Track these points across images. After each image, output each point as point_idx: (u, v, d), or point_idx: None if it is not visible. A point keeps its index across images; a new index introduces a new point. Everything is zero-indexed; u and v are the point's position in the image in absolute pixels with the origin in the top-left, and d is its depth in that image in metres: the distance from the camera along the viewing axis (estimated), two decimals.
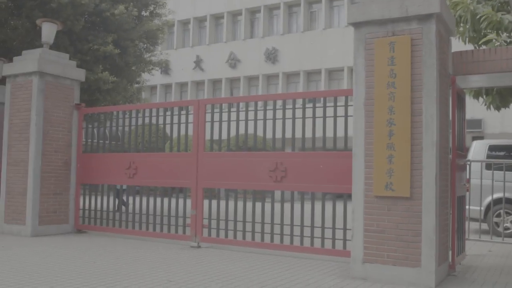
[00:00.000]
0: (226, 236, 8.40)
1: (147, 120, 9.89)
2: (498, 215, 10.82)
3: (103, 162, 9.90)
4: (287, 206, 8.24)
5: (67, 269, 6.51)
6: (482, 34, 9.74)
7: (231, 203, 8.71)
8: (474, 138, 18.15)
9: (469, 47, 10.21)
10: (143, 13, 15.51)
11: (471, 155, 11.45)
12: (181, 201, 9.96)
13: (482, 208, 10.75)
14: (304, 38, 30.99)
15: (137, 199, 9.51)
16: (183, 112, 9.10)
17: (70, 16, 12.19)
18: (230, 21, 34.33)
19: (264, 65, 32.06)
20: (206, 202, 8.82)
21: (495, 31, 9.11)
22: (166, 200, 9.17)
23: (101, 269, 6.54)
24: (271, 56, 31.76)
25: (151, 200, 9.29)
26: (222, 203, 8.65)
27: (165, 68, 33.63)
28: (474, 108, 12.79)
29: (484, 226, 11.05)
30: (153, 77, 27.77)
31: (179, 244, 8.71)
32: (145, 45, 15.77)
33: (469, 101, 10.78)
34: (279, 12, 32.47)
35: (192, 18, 35.34)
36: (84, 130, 10.43)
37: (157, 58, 16.93)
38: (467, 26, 9.81)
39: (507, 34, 8.82)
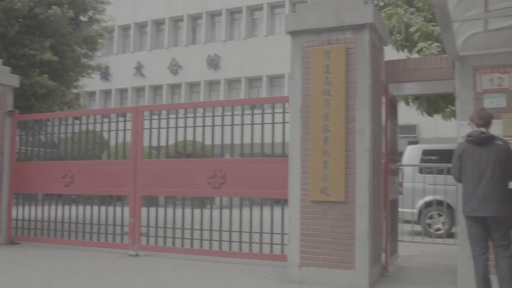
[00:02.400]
0: (165, 243, 8.33)
1: (84, 127, 9.68)
2: (431, 217, 11.23)
3: (37, 170, 9.60)
4: (226, 212, 8.25)
5: None
6: (413, 43, 10.15)
7: (170, 211, 8.64)
8: (410, 143, 18.79)
9: (402, 55, 10.60)
10: (82, 18, 15.20)
11: (405, 160, 11.84)
12: (119, 209, 9.73)
13: (415, 211, 11.16)
14: (246, 45, 31.18)
15: (74, 208, 9.29)
16: (121, 119, 8.97)
17: (2, 21, 11.80)
18: (172, 27, 34.10)
19: (206, 71, 32.02)
20: (145, 210, 8.71)
21: (426, 41, 9.51)
22: (103, 208, 8.98)
23: (34, 281, 6.33)
24: (213, 63, 31.76)
25: (88, 208, 9.09)
26: (161, 210, 8.58)
27: (105, 73, 32.99)
28: (410, 114, 13.24)
29: (418, 227, 11.44)
30: (92, 83, 27.19)
31: (117, 253, 8.56)
32: (84, 50, 15.44)
33: (405, 107, 11.19)
34: (221, 18, 32.54)
35: (132, 23, 34.86)
36: (18, 137, 10.09)
37: (96, 62, 16.58)
38: (400, 36, 10.19)
39: (437, 44, 9.21)
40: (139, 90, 34.68)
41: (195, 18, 33.59)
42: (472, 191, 5.10)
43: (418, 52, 9.86)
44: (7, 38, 12.35)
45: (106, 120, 9.31)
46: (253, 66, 30.56)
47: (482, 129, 5.17)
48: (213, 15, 33.02)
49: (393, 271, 7.19)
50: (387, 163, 7.13)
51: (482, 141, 5.10)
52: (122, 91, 35.20)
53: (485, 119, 5.19)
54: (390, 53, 9.50)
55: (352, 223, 6.11)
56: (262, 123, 7.68)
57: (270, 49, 30.01)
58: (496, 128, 5.84)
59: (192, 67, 32.33)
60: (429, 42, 9.21)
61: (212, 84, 32.44)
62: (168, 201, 8.76)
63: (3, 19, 11.82)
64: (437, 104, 10.52)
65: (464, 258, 5.92)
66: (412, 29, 9.67)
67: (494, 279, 5.12)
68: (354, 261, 6.07)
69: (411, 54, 10.57)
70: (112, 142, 14.09)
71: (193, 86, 32.95)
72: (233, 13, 32.52)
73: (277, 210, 7.69)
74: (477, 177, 5.07)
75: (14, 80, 10.01)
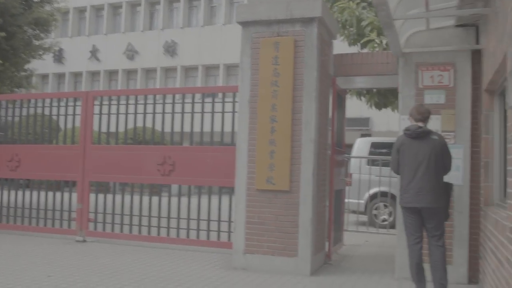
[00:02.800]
0: (113, 230, 8.32)
1: (33, 110, 9.50)
2: (377, 208, 11.57)
3: None
4: (175, 200, 8.30)
5: None
6: (365, 37, 10.38)
7: (119, 197, 8.62)
8: (363, 136, 19.19)
9: (355, 49, 10.83)
10: None
11: (354, 152, 12.13)
12: (68, 195, 9.64)
13: (362, 201, 11.48)
14: (204, 33, 31.02)
15: (20, 192, 9.14)
16: (71, 103, 8.86)
17: None
18: (129, 11, 33.57)
19: (163, 57, 31.72)
20: (94, 196, 8.66)
21: (377, 35, 9.74)
22: (51, 193, 8.89)
23: None
24: (170, 49, 31.48)
25: (35, 193, 8.97)
26: (110, 197, 8.55)
27: (59, 56, 32.29)
28: (363, 107, 13.47)
29: (364, 218, 11.76)
30: (45, 66, 26.58)
31: (65, 239, 8.50)
32: (35, 31, 15.04)
33: (358, 100, 11.43)
34: (179, 5, 32.24)
35: (89, 6, 34.13)
36: None
37: (48, 44, 16.15)
38: (352, 30, 10.40)
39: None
40: (94, 74, 34.05)
41: (152, 3, 33.16)
42: (408, 182, 5.32)
43: (366, 44, 10.09)
44: None
45: (56, 104, 9.18)
46: (210, 54, 30.46)
47: (420, 124, 5.40)
48: (171, 1, 32.68)
49: (337, 259, 7.41)
50: (332, 154, 7.32)
51: (419, 135, 5.32)
52: (77, 75, 34.48)
53: (423, 114, 5.42)
54: (343, 47, 9.72)
55: (296, 212, 6.27)
56: (213, 112, 7.75)
57: (228, 38, 29.95)
58: (435, 123, 6.11)
59: (148, 53, 31.96)
60: (380, 36, 9.43)
61: (168, 71, 32.18)
62: (118, 187, 8.74)
63: None
64: (386, 97, 10.82)
65: (402, 247, 6.17)
66: (363, 23, 9.88)
67: (427, 267, 5.38)
68: (297, 249, 6.24)
69: (362, 48, 10.81)
70: (64, 127, 13.89)
71: (149, 72, 32.60)
72: (191, 0, 32.27)
73: (225, 198, 7.80)
74: (413, 170, 5.29)
75: None
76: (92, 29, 34.25)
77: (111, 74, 33.56)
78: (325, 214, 7.04)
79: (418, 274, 5.34)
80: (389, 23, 5.14)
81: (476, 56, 6.28)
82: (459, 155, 6.12)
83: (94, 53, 33.46)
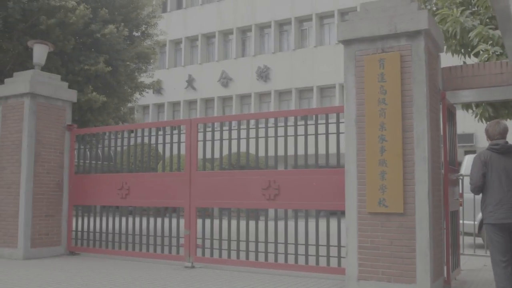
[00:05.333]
0: (220, 255, 8.33)
1: (139, 140, 9.89)
2: None
3: (95, 183, 9.84)
4: (281, 224, 8.18)
5: None
6: (472, 47, 9.81)
7: (225, 222, 8.65)
8: (467, 153, 18.23)
9: (457, 59, 10.28)
10: (135, 33, 15.56)
11: (463, 169, 11.47)
12: (175, 221, 9.84)
13: (476, 223, 10.75)
14: (296, 56, 31.17)
15: (130, 219, 9.44)
16: (175, 131, 9.10)
17: (60, 36, 12.23)
18: (222, 40, 34.51)
19: (256, 83, 32.18)
20: (200, 222, 8.76)
21: (485, 44, 9.19)
22: (159, 220, 9.10)
23: None
24: (263, 75, 31.89)
25: (144, 220, 9.22)
26: (216, 222, 8.61)
27: (158, 88, 33.68)
28: (466, 122, 12.80)
29: (479, 240, 11.03)
30: (145, 97, 27.77)
31: (173, 265, 8.63)
32: (137, 65, 15.79)
33: (460, 115, 10.82)
34: (270, 30, 32.70)
35: (183, 37, 35.51)
36: (76, 151, 10.37)
37: (149, 80, 16.92)
38: (455, 41, 9.88)
39: (496, 48, 8.90)
40: (191, 103, 35.21)
41: (244, 31, 33.89)
42: (500, 198, 5.20)
43: (475, 55, 9.53)
44: (65, 54, 12.80)
45: (160, 132, 9.47)
46: (303, 77, 30.50)
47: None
48: (262, 27, 33.22)
49: (456, 285, 6.93)
50: (446, 173, 6.90)
51: (507, 150, 5.31)
52: (174, 104, 35.83)
53: (502, 134, 5.44)
54: (444, 59, 9.25)
55: (412, 236, 5.93)
56: (316, 134, 7.60)
57: (320, 60, 29.90)
58: None
59: (242, 80, 32.58)
60: (488, 45, 8.90)
61: (262, 96, 32.57)
62: (223, 212, 8.78)
63: (60, 34, 12.25)
64: (497, 110, 10.14)
65: None
66: (471, 34, 9.35)
67: None
68: (415, 275, 5.88)
69: (466, 58, 10.23)
70: (167, 155, 14.31)
71: (243, 98, 33.18)
72: (282, 24, 32.62)
73: (333, 222, 7.56)
74: (505, 185, 5.20)
75: (72, 95, 10.34)
76: (187, 60, 35.53)
77: (207, 102, 34.51)
78: (442, 237, 6.61)
79: None
80: (509, 28, 4.78)
81: None
82: None
83: (190, 82, 34.63)
